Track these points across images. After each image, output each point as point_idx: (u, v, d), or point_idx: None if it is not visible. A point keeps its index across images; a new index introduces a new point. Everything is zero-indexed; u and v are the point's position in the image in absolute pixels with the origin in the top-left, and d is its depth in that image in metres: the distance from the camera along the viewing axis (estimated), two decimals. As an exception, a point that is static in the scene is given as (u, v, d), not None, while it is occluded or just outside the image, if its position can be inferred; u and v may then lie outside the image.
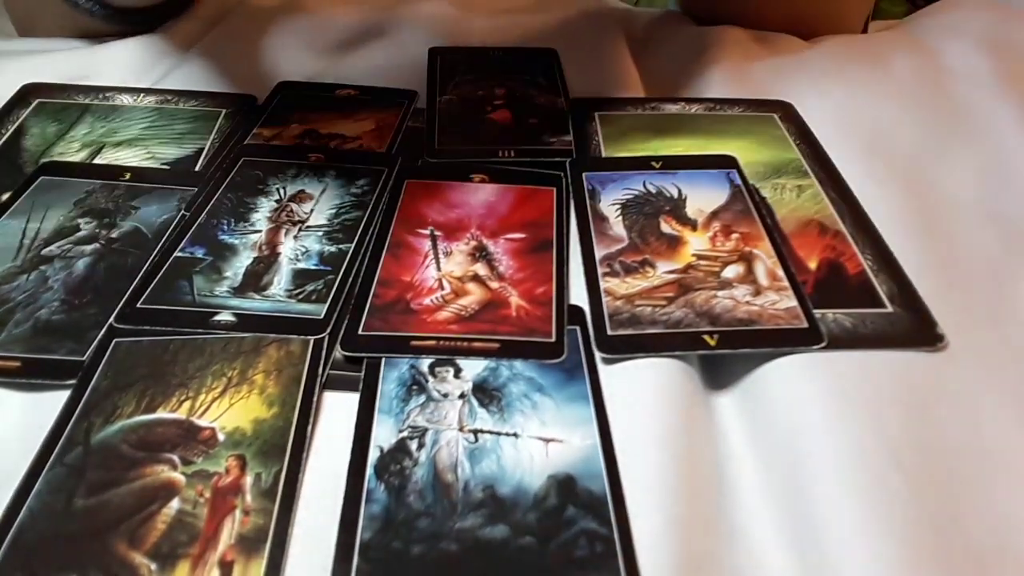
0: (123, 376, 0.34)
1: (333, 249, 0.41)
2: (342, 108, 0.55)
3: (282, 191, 0.46)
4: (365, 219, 0.43)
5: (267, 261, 0.41)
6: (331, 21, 0.66)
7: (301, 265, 0.40)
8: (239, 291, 0.39)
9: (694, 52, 0.63)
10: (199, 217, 0.43)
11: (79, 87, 0.54)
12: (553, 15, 0.68)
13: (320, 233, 0.43)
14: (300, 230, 0.43)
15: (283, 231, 0.43)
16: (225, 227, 0.43)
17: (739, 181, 0.47)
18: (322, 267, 0.40)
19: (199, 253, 0.41)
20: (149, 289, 0.38)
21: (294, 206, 0.44)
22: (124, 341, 0.36)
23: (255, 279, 0.40)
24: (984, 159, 0.50)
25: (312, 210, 0.44)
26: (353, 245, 0.42)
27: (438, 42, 0.62)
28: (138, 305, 0.38)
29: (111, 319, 0.37)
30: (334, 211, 0.44)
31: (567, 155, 0.49)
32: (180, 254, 0.41)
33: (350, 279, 0.40)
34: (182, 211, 0.44)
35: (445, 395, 0.34)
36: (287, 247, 0.42)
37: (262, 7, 0.67)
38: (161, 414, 0.33)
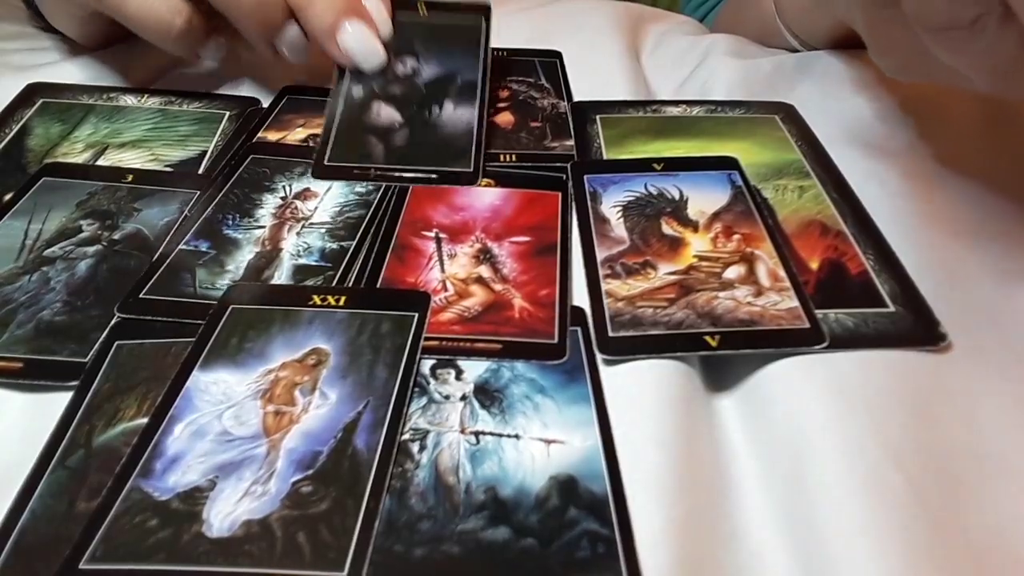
0: (125, 378, 0.34)
1: (334, 246, 0.42)
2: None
3: (288, 188, 0.46)
4: (368, 218, 0.43)
5: (269, 256, 0.41)
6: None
7: (302, 261, 0.41)
8: None
9: (696, 54, 0.63)
10: (205, 211, 0.43)
11: (83, 87, 0.54)
12: (556, 16, 0.68)
13: (323, 230, 0.43)
14: (303, 227, 0.43)
15: (286, 227, 0.43)
16: (230, 222, 0.43)
17: (740, 182, 0.47)
18: (323, 263, 0.41)
19: (203, 246, 0.41)
20: (152, 280, 0.39)
21: (299, 203, 0.45)
22: (126, 343, 0.36)
23: (256, 273, 0.40)
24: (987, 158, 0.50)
25: (316, 207, 0.44)
26: (354, 243, 0.42)
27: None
28: (141, 296, 0.38)
29: (116, 309, 0.37)
30: (338, 209, 0.44)
31: (568, 158, 0.49)
32: (185, 247, 0.41)
33: (349, 276, 0.40)
34: (185, 212, 0.44)
35: (446, 397, 0.34)
36: (289, 243, 0.42)
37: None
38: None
